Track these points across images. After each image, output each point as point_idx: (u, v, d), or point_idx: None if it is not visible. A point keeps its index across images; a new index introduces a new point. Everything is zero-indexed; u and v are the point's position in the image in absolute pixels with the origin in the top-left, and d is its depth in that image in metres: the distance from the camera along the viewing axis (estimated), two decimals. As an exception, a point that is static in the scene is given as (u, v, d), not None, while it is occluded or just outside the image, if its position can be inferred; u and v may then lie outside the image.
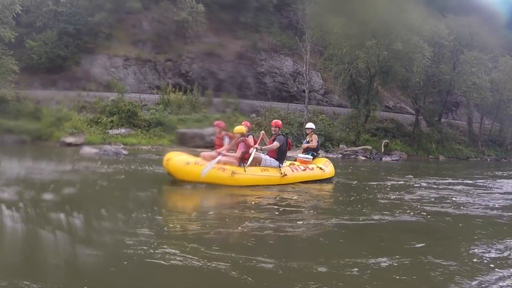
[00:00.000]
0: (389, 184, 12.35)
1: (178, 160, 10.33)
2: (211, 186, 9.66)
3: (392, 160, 28.70)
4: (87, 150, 19.28)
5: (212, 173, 9.77)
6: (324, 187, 11.42)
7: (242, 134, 10.64)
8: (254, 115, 32.36)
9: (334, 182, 12.53)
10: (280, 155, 11.15)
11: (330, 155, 28.31)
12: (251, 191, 9.53)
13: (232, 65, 39.56)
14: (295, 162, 12.64)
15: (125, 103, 29.21)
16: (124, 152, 19.77)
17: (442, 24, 35.26)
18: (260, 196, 9.12)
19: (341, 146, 31.85)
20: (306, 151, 13.03)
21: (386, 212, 7.48)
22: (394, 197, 9.63)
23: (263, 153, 11.06)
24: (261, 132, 11.71)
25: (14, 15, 29.58)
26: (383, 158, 29.22)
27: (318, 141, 13.37)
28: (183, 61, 38.23)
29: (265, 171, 10.71)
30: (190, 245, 4.72)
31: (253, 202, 8.23)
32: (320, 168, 12.15)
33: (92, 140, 25.93)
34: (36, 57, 34.39)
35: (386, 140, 33.97)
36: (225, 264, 4.15)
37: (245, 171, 10.21)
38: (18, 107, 29.51)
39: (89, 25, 37.46)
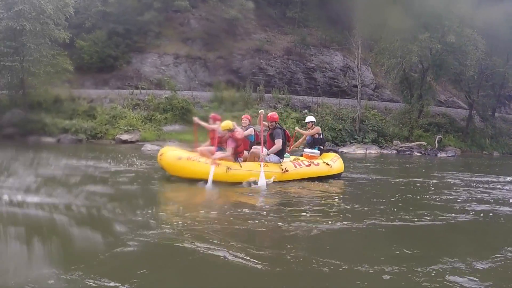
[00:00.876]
0: (445, 181, 11.95)
1: (170, 155, 10.13)
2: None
3: (448, 156, 28.00)
4: (148, 147, 19.70)
5: (205, 169, 9.41)
6: (329, 185, 10.48)
7: (230, 130, 10.00)
8: (306, 111, 32.12)
9: (352, 180, 11.68)
10: (279, 150, 10.48)
11: (385, 151, 27.93)
12: (246, 189, 9.14)
13: (281, 61, 39.55)
14: (300, 157, 11.91)
15: (179, 100, 29.70)
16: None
17: (496, 12, 34.04)
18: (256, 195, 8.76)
19: (395, 142, 31.29)
20: (312, 145, 12.25)
21: (421, 213, 7.03)
22: (445, 196, 9.01)
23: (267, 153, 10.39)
24: (260, 111, 10.95)
25: (68, 16, 30.28)
26: (438, 154, 28.54)
27: (321, 134, 12.46)
28: (233, 58, 38.44)
29: (264, 167, 10.02)
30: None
31: (247, 202, 7.84)
32: (327, 164, 11.36)
33: (147, 137, 26.49)
34: (87, 57, 35.16)
35: (440, 136, 33.17)
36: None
37: (240, 166, 9.78)
38: (72, 106, 30.25)
39: (138, 24, 38.16)
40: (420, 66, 33.39)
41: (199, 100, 31.69)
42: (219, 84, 32.91)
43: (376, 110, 35.76)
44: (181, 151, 10.41)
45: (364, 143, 29.68)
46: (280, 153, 10.49)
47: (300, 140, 13.18)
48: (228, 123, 10.07)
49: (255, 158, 10.27)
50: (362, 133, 31.15)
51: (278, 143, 10.30)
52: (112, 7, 38.51)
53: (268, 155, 10.25)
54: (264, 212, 6.71)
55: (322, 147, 12.30)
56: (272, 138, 10.56)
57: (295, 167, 10.70)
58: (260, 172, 9.65)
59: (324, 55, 40.98)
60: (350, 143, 29.79)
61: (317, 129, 12.27)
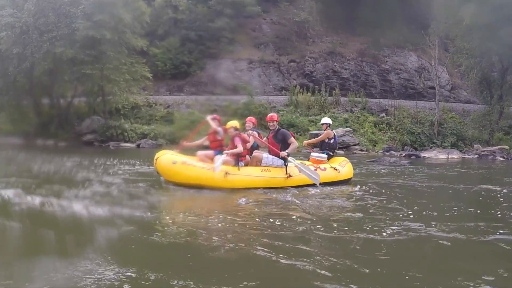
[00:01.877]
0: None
1: (165, 159, 9.68)
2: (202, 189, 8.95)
3: (534, 161, 26.83)
4: None
5: (201, 174, 9.15)
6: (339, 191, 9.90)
7: (236, 128, 9.89)
8: (383, 114, 31.84)
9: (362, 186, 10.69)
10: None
11: (466, 156, 27.21)
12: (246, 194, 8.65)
13: (355, 63, 39.39)
14: (305, 162, 11.21)
15: (256, 105, 30.17)
16: None
17: None
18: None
19: (475, 146, 30.40)
20: (322, 149, 11.82)
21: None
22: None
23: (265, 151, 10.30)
24: (249, 133, 10.29)
25: (144, 25, 31.41)
26: (522, 159, 27.46)
27: (334, 138, 11.84)
28: (306, 61, 38.63)
29: (265, 172, 9.73)
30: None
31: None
32: (335, 169, 10.89)
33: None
34: (161, 64, 36.24)
35: (523, 139, 31.99)
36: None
37: (239, 170, 9.41)
38: (150, 112, 31.29)
39: (210, 30, 38.99)
40: (500, 65, 32.36)
41: (274, 105, 32.09)
42: (294, 88, 33.14)
43: (454, 113, 34.94)
44: (177, 155, 9.92)
45: (443, 147, 29.10)
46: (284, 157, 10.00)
47: (312, 140, 12.89)
48: (234, 122, 10.06)
49: (257, 162, 9.91)
50: (441, 136, 30.46)
51: (294, 143, 9.97)
52: (183, 14, 39.66)
53: (288, 155, 9.77)
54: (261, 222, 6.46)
55: (331, 152, 11.80)
56: (276, 139, 10.15)
57: (300, 172, 10.01)
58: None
59: (398, 56, 40.41)
60: (430, 147, 29.28)
61: (328, 133, 11.77)
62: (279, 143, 9.98)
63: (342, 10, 41.53)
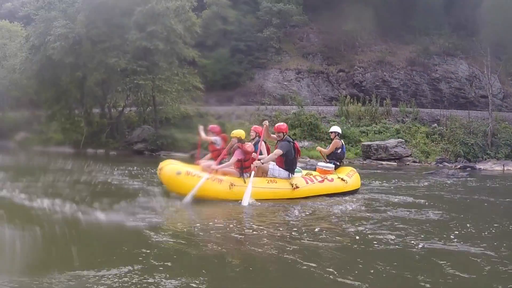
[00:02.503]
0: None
1: (169, 169, 9.44)
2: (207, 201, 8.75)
3: None
4: None
5: (207, 185, 8.85)
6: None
7: (240, 140, 9.57)
8: (435, 124, 31.60)
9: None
10: (288, 164, 9.82)
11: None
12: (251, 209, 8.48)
13: (405, 72, 39.12)
14: (312, 172, 11.18)
15: (306, 115, 30.28)
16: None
17: None
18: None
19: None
20: (329, 158, 11.69)
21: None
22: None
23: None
24: (264, 122, 10.14)
25: (195, 35, 32.15)
26: None
27: (341, 148, 11.74)
28: (355, 71, 38.72)
29: (271, 183, 9.52)
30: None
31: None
32: (342, 179, 10.63)
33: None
34: (211, 75, 36.85)
35: None
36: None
37: (245, 182, 9.15)
38: (201, 122, 31.79)
39: (258, 41, 39.60)
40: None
41: (325, 115, 32.21)
42: (344, 98, 33.15)
43: (507, 122, 34.38)
44: (181, 165, 9.75)
45: (497, 159, 28.73)
46: (290, 168, 9.87)
47: (324, 150, 12.25)
48: (239, 132, 9.69)
49: (262, 173, 9.79)
50: (494, 147, 30.00)
51: (278, 152, 9.62)
52: (232, 25, 40.37)
53: (263, 163, 9.56)
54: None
55: (338, 162, 11.65)
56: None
57: (307, 183, 9.97)
58: (247, 188, 8.89)
59: (448, 64, 39.88)
60: (483, 158, 28.95)
61: (336, 142, 11.65)
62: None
63: (390, 18, 41.37)
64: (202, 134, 11.10)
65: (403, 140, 27.59)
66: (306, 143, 28.60)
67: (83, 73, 30.76)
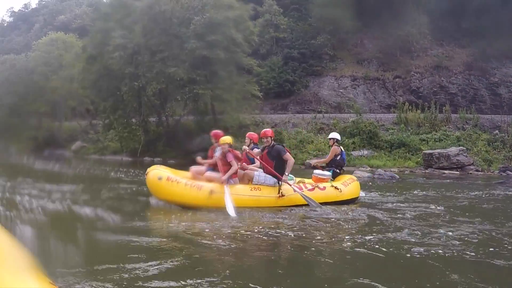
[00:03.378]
0: None
1: (152, 174, 9.45)
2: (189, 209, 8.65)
3: None
4: (359, 173, 20.10)
5: (185, 192, 8.83)
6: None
7: (230, 145, 9.53)
8: (497, 131, 31.16)
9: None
10: (278, 170, 9.52)
11: None
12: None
13: (463, 77, 38.72)
14: (305, 180, 10.86)
15: (365, 123, 30.10)
16: (396, 176, 19.88)
17: None
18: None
19: None
20: (329, 166, 11.28)
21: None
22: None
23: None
24: (243, 148, 10.01)
25: (253, 44, 32.72)
26: None
27: (341, 154, 11.33)
28: (412, 76, 38.48)
29: (255, 190, 9.26)
30: None
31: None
32: (336, 188, 10.14)
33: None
34: (265, 83, 37.40)
35: None
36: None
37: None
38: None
39: (312, 48, 40.00)
40: None
41: (383, 123, 32.19)
42: (403, 105, 32.84)
43: None
44: (165, 170, 9.72)
45: None
46: (279, 174, 9.55)
47: (321, 160, 12.07)
48: (228, 138, 9.71)
49: (248, 180, 9.61)
50: (559, 155, 29.54)
51: (290, 158, 9.58)
52: (285, 32, 40.87)
53: (244, 170, 9.55)
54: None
55: (338, 170, 11.29)
56: (270, 156, 9.71)
57: (294, 191, 9.51)
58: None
59: (507, 68, 39.20)
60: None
61: (334, 149, 11.31)
62: (273, 160, 9.62)
63: (446, 21, 41.01)
64: (201, 161, 10.75)
65: (464, 148, 27.15)
66: (365, 152, 28.68)
67: (143, 83, 31.67)
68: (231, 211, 8.20)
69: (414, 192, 12.96)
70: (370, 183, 16.38)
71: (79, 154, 40.28)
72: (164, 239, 6.33)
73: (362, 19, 41.55)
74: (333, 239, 6.64)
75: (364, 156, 28.13)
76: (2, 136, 53.39)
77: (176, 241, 6.19)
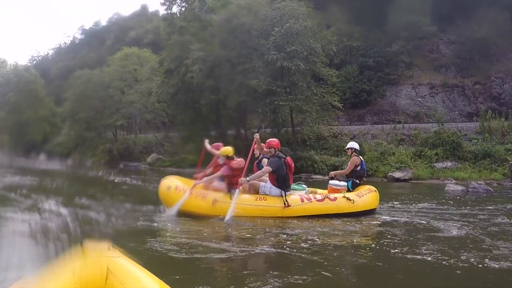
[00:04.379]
0: None
1: (163, 184, 10.24)
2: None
3: None
4: (452, 187, 20.19)
5: (190, 201, 9.35)
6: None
7: (228, 157, 9.96)
8: None
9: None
10: (280, 181, 9.85)
11: None
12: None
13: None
14: (317, 190, 11.13)
15: (448, 133, 29.56)
16: (491, 189, 19.34)
17: None
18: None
19: None
20: (349, 177, 11.43)
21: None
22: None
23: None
24: (255, 135, 10.43)
25: (332, 54, 33.11)
26: None
27: (361, 164, 11.44)
28: (492, 82, 37.24)
29: (260, 200, 9.60)
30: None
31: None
32: (348, 199, 10.08)
33: (420, 175, 26.61)
34: (340, 93, 37.54)
35: None
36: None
37: (230, 199, 9.35)
38: (336, 143, 32.68)
39: (387, 56, 40.01)
40: None
41: (465, 133, 31.44)
42: (485, 113, 31.81)
43: None
44: (176, 180, 10.34)
45: None
46: (282, 185, 9.90)
47: (340, 172, 12.34)
48: (228, 149, 10.11)
49: (254, 190, 9.99)
50: None
51: (267, 169, 9.85)
52: (358, 41, 41.04)
53: (248, 181, 9.78)
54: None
55: (358, 180, 11.47)
56: (259, 167, 10.39)
57: (302, 201, 9.76)
58: (231, 204, 9.17)
59: None
60: None
61: (354, 160, 11.47)
62: (274, 174, 9.94)
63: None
64: (208, 146, 11.66)
65: (556, 160, 26.37)
66: (449, 164, 28.17)
67: (224, 96, 32.43)
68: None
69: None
70: (467, 197, 16.42)
71: (155, 166, 41.56)
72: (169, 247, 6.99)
73: (436, 24, 41.31)
74: (351, 250, 7.24)
75: (448, 168, 27.58)
76: (79, 150, 56.16)
77: (180, 250, 6.74)
